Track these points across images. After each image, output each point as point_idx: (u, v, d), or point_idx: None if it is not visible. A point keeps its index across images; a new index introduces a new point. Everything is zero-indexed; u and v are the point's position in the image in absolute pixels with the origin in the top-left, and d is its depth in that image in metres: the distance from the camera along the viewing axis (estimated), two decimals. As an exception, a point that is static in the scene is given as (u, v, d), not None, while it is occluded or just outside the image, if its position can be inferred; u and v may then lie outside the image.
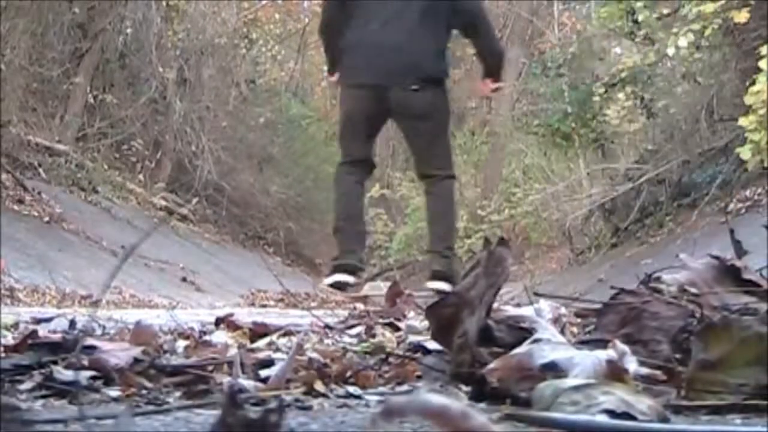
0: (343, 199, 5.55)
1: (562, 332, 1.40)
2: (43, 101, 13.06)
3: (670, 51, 9.20)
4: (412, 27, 5.34)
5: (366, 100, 5.37)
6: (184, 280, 10.49)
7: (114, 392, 1.22)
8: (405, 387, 1.36)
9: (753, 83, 7.52)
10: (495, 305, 1.37)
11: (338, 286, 5.33)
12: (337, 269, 5.33)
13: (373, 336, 1.96)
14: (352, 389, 1.29)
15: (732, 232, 1.75)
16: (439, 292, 5.25)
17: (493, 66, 5.75)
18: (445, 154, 5.60)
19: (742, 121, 7.61)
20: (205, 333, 2.10)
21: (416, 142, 5.56)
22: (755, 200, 8.89)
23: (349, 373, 1.36)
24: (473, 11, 5.52)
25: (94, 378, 1.29)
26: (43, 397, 1.20)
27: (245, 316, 2.60)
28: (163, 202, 14.43)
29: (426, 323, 1.88)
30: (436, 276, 5.32)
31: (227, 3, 16.21)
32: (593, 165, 12.82)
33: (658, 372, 1.22)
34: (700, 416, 1.07)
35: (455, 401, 0.68)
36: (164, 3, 14.64)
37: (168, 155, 15.41)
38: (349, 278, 5.29)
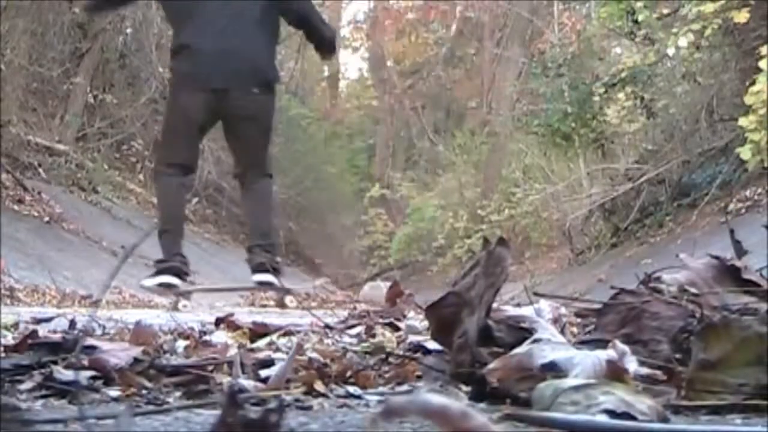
0: (168, 203, 5.55)
1: (562, 332, 1.40)
2: (43, 101, 13.06)
3: (670, 51, 9.20)
4: (252, 31, 5.37)
5: (202, 105, 5.32)
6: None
7: (114, 392, 1.22)
8: (405, 387, 1.36)
9: (753, 83, 7.52)
10: (495, 305, 1.37)
11: (165, 286, 5.34)
12: (163, 271, 5.28)
13: (373, 336, 1.96)
14: (352, 389, 1.29)
15: (732, 232, 1.75)
16: (263, 283, 5.32)
17: (329, 48, 5.90)
18: (266, 154, 5.69)
19: (742, 121, 7.61)
20: (205, 333, 2.10)
21: (243, 143, 5.58)
22: (755, 200, 8.90)
23: (349, 373, 1.36)
24: (305, 13, 5.63)
25: (94, 378, 1.29)
26: (43, 397, 1.20)
27: (245, 316, 2.61)
28: (163, 202, 14.41)
29: (426, 323, 1.88)
30: (260, 268, 5.35)
31: (227, 3, 16.19)
32: (593, 165, 12.81)
33: (658, 372, 1.22)
34: (700, 416, 1.07)
35: (455, 401, 0.68)
36: (164, 3, 14.62)
37: (168, 155, 15.40)
38: (175, 280, 5.29)
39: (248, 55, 5.33)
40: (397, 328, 2.07)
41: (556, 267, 13.96)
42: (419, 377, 1.40)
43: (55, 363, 1.34)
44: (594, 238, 12.43)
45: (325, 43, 5.82)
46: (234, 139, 5.65)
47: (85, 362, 1.33)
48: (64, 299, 6.43)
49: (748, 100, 7.48)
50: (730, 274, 1.52)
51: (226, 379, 1.31)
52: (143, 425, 1.00)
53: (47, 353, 1.40)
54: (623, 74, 10.57)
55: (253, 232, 5.65)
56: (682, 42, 8.82)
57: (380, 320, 2.20)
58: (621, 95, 10.83)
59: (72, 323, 1.93)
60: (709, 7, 8.54)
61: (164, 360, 1.47)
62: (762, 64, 7.28)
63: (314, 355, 1.49)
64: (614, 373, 1.09)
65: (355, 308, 3.94)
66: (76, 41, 13.35)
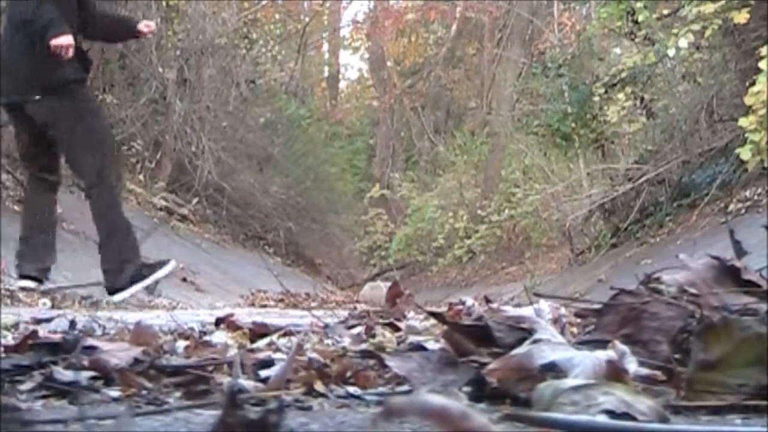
0: (31, 210, 5.55)
1: (562, 332, 1.40)
2: (43, 101, 13.05)
3: (671, 51, 9.20)
4: (11, 36, 5.17)
5: (14, 119, 5.35)
6: (184, 280, 10.48)
7: (114, 392, 1.22)
8: (405, 387, 1.36)
9: (753, 84, 7.52)
10: (495, 305, 1.37)
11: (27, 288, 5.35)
12: (23, 277, 5.56)
13: (373, 336, 1.96)
14: (352, 389, 1.29)
15: (732, 232, 1.75)
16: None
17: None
18: (81, 163, 5.46)
19: (742, 122, 7.61)
20: (205, 333, 2.11)
21: (62, 152, 5.43)
22: (755, 200, 8.90)
23: (349, 373, 1.36)
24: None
25: (94, 378, 1.29)
26: (43, 397, 1.20)
27: (245, 316, 2.61)
28: (163, 203, 14.43)
29: (426, 323, 1.89)
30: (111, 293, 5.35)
31: (227, 3, 16.21)
32: (593, 165, 12.82)
33: (658, 372, 1.22)
34: (700, 416, 1.07)
35: (455, 401, 0.68)
36: (164, 3, 14.64)
37: (168, 155, 15.41)
38: (32, 284, 5.46)
39: (14, 62, 5.15)
40: (397, 328, 2.06)
41: (556, 267, 13.96)
42: (419, 377, 1.39)
43: (55, 363, 1.34)
44: (594, 238, 12.43)
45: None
46: (50, 150, 5.48)
47: (85, 362, 1.33)
48: (64, 299, 6.43)
49: (748, 100, 7.48)
50: (729, 275, 1.51)
51: (226, 380, 1.31)
52: (143, 425, 1.00)
53: (47, 353, 1.40)
54: (623, 74, 10.57)
55: (102, 257, 5.59)
56: (682, 42, 8.82)
57: (380, 320, 2.20)
58: (621, 95, 10.83)
59: (72, 323, 1.93)
60: (709, 8, 8.54)
61: (164, 360, 1.47)
62: (762, 64, 7.28)
63: (314, 355, 1.49)
64: (614, 373, 1.09)
65: (355, 308, 3.94)
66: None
